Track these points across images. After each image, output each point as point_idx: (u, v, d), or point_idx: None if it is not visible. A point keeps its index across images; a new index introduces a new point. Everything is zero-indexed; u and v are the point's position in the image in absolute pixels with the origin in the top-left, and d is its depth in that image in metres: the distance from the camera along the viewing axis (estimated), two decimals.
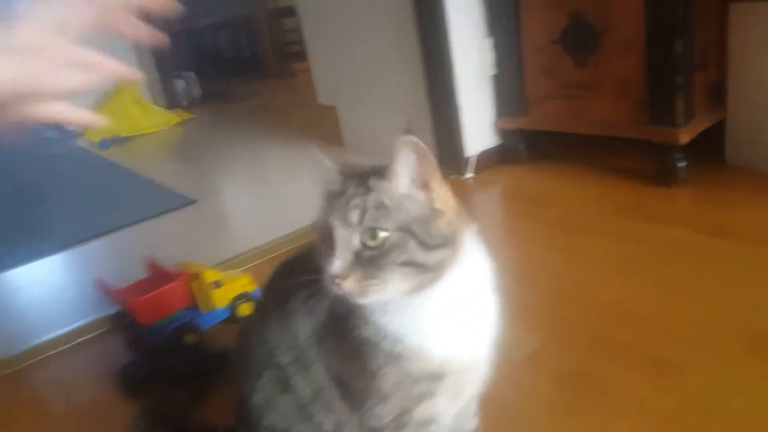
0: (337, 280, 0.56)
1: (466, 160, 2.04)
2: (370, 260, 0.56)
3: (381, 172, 0.58)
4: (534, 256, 1.49)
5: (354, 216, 0.56)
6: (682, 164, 1.67)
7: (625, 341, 1.10)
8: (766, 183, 1.60)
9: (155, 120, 3.86)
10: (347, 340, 0.64)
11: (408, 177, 0.58)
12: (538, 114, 1.96)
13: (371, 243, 0.56)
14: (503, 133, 2.10)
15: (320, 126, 2.80)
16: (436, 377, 0.64)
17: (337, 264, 0.56)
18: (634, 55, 1.65)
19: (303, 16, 2.54)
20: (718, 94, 1.72)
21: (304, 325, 0.68)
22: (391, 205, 0.57)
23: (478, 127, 2.06)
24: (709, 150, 1.75)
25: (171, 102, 4.35)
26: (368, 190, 0.57)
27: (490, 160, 2.09)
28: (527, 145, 2.08)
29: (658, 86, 1.63)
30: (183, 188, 2.45)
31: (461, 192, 1.96)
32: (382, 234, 0.56)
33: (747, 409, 0.90)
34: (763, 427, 0.87)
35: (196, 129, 3.85)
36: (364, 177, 0.58)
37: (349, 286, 0.56)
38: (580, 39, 1.75)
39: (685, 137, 1.62)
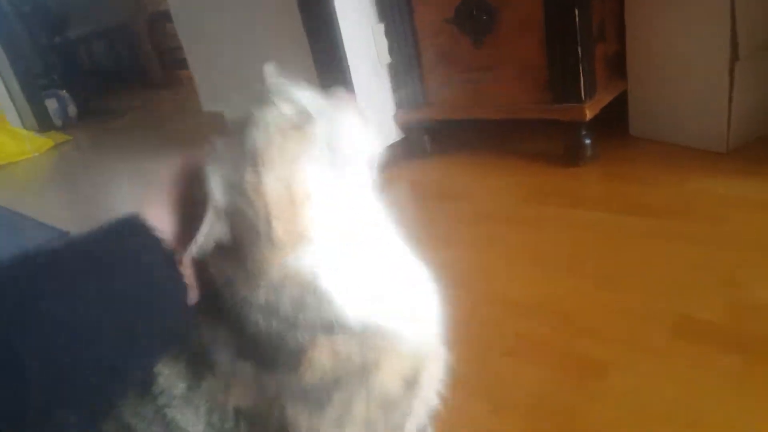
0: None
1: None
2: None
3: None
4: (448, 258, 1.35)
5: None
6: (588, 141, 1.60)
7: (551, 342, 0.99)
8: (670, 152, 1.58)
9: (24, 146, 3.43)
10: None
11: None
12: (440, 102, 1.85)
13: None
14: (405, 125, 1.96)
15: (209, 136, 2.55)
16: (411, 381, 0.49)
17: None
18: (533, 31, 1.56)
19: (177, 18, 2.30)
20: (618, 66, 1.68)
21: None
22: None
23: (379, 121, 1.91)
24: (613, 123, 1.71)
25: (43, 124, 3.90)
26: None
27: (394, 156, 1.95)
28: (432, 137, 1.96)
29: (559, 62, 1.55)
30: (56, 220, 2.12)
31: None
32: None
33: (679, 401, 0.82)
34: (696, 416, 0.79)
35: (74, 151, 3.45)
36: None
37: None
38: (475, 16, 1.64)
39: (589, 113, 1.55)
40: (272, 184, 0.46)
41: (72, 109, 4.12)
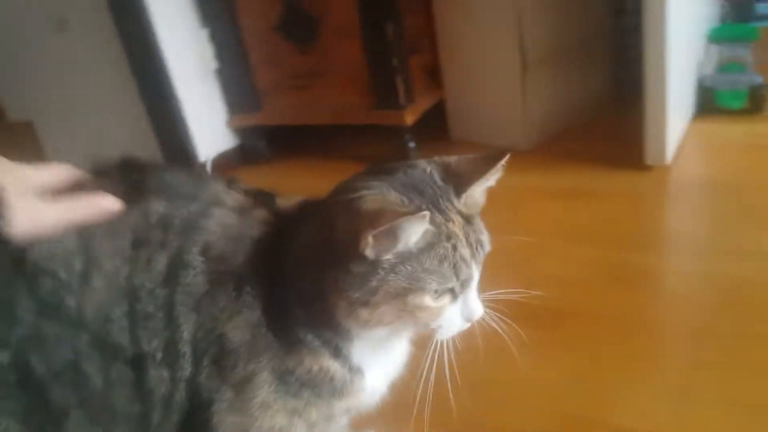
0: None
1: (202, 165, 1.83)
2: None
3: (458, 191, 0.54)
4: None
5: (486, 246, 0.57)
6: (412, 144, 1.72)
7: None
8: (483, 153, 1.75)
9: None
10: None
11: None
12: (272, 107, 1.86)
13: None
14: (240, 131, 1.94)
15: (18, 147, 2.28)
16: (351, 411, 0.62)
17: (480, 306, 0.59)
18: (353, 41, 1.64)
19: None
20: (435, 76, 1.82)
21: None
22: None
23: (210, 127, 1.87)
24: (436, 128, 1.85)
25: None
26: (470, 219, 0.55)
27: (230, 162, 1.92)
28: (268, 142, 1.96)
29: (378, 70, 1.65)
30: None
31: None
32: None
33: (474, 369, 0.91)
34: (487, 380, 0.90)
35: None
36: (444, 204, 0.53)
37: None
38: (299, 25, 1.68)
39: (409, 118, 1.67)
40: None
41: None
